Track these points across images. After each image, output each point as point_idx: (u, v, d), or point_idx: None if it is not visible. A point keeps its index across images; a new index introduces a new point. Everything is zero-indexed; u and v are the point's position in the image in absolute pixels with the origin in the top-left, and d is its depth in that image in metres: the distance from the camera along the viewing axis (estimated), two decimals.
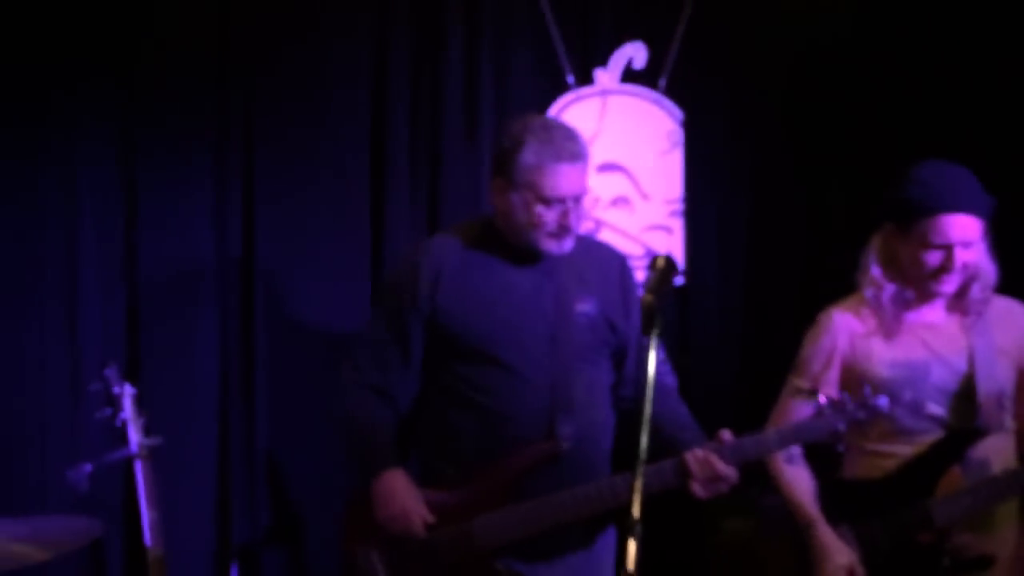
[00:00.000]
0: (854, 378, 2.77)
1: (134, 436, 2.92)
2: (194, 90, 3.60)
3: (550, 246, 2.67)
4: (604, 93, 3.94)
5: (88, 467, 2.92)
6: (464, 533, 2.64)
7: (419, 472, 2.76)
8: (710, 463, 2.54)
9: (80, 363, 3.48)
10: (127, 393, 2.95)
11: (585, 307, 2.71)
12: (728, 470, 2.55)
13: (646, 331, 2.09)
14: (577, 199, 2.66)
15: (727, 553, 3.28)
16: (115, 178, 3.56)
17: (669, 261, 2.20)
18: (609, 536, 2.77)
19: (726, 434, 2.59)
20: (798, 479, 2.81)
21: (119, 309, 3.56)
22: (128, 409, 2.94)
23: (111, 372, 2.97)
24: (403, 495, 2.64)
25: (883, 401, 2.58)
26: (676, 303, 3.94)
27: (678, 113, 3.98)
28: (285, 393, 3.67)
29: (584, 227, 3.34)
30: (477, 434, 2.68)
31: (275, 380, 3.67)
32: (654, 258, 2.22)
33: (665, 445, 2.61)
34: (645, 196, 3.98)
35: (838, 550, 2.70)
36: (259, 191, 3.67)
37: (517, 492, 2.63)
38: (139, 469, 2.90)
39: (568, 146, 2.64)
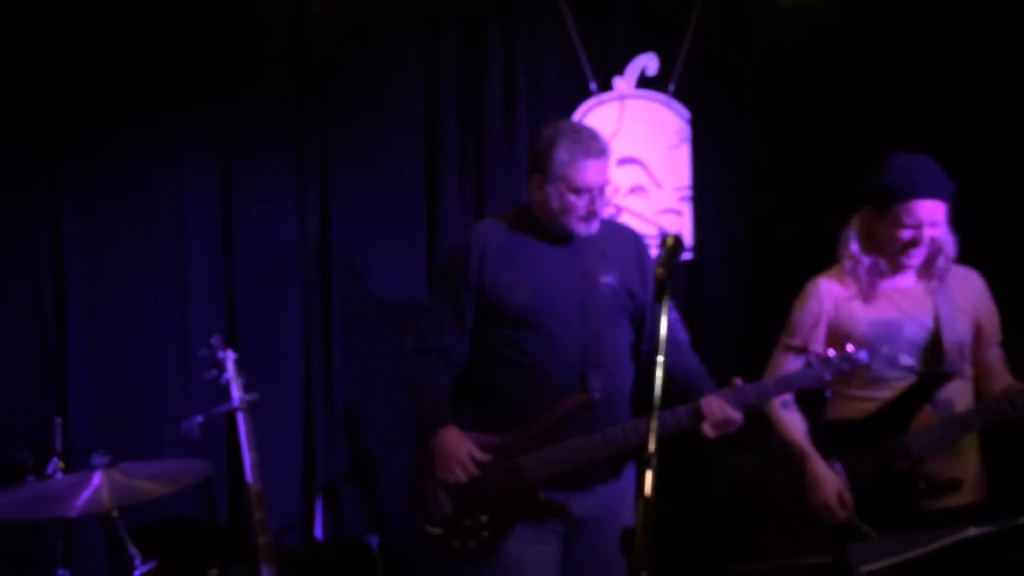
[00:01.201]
0: (838, 336, 2.80)
1: (236, 393, 2.97)
2: (279, 107, 3.65)
3: (580, 228, 2.71)
4: (622, 97, 3.97)
5: (199, 418, 3.00)
6: (513, 469, 2.69)
7: (471, 420, 2.80)
8: (722, 408, 2.58)
9: (189, 332, 3.53)
10: (229, 357, 3.00)
11: (608, 279, 2.74)
12: (735, 414, 2.58)
13: (658, 299, 2.12)
14: (602, 189, 2.70)
15: (735, 483, 3.32)
16: (215, 180, 3.61)
17: (677, 239, 2.23)
18: (630, 471, 2.82)
19: (738, 380, 2.62)
20: (792, 421, 2.84)
21: (219, 287, 3.60)
22: (230, 370, 2.99)
23: (216, 340, 3.03)
24: (456, 447, 2.69)
25: (863, 355, 2.61)
26: (686, 275, 3.97)
27: (686, 113, 4.00)
28: (359, 356, 3.71)
29: (607, 212, 3.39)
30: (520, 388, 2.72)
31: (350, 346, 3.71)
32: (664, 237, 2.24)
33: (681, 391, 2.65)
34: (658, 184, 4.01)
35: (829, 479, 2.74)
36: (333, 190, 3.70)
37: (557, 435, 2.68)
38: (241, 420, 2.96)
39: (594, 144, 2.68)
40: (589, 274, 2.74)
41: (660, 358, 2.05)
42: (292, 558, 3.34)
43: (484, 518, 2.69)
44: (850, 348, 2.61)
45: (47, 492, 2.67)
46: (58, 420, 3.06)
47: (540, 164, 2.70)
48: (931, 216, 2.69)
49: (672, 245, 2.22)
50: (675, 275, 3.77)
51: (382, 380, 3.64)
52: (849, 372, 2.63)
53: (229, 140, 3.61)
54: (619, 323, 2.78)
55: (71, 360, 3.41)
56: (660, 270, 2.17)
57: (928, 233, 2.70)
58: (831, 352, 2.62)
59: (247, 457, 2.94)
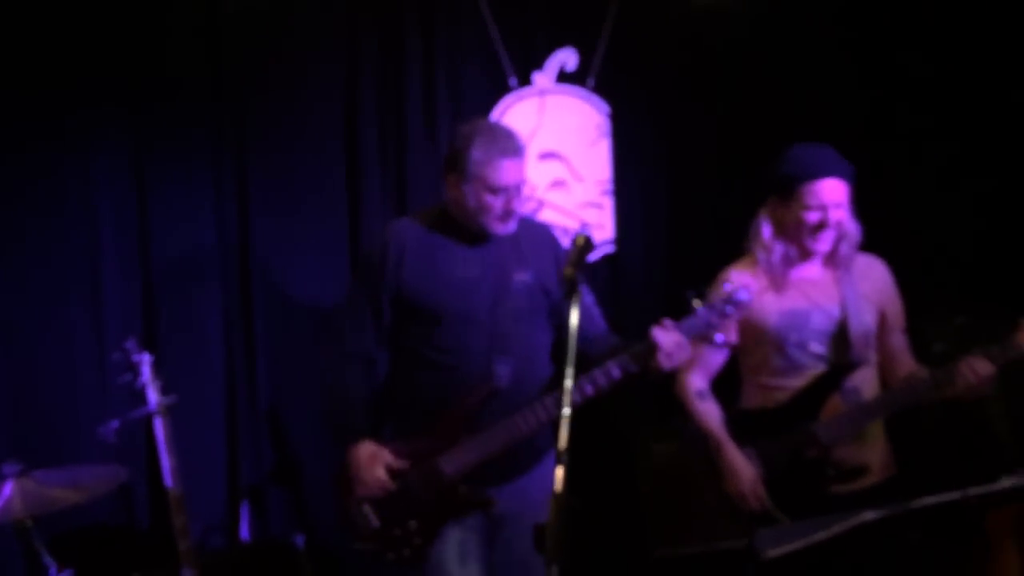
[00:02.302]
0: (749, 325, 2.88)
1: (152, 396, 2.95)
2: (193, 105, 3.61)
3: (496, 227, 2.74)
4: (542, 93, 4.00)
5: (115, 423, 2.97)
6: (432, 470, 2.71)
7: (393, 431, 2.81)
8: (674, 331, 2.58)
9: (104, 335, 3.48)
10: (145, 360, 2.98)
11: (523, 276, 2.77)
12: (685, 340, 2.59)
13: (567, 296, 2.17)
14: (518, 187, 2.73)
15: (655, 471, 3.38)
16: (128, 180, 3.56)
17: (587, 239, 2.27)
18: (550, 460, 2.82)
19: (667, 321, 2.61)
20: (709, 411, 2.92)
21: (136, 290, 3.56)
22: (146, 374, 2.96)
23: (130, 343, 2.99)
24: (371, 463, 2.69)
25: (743, 294, 2.63)
26: (608, 267, 4.03)
27: (605, 107, 4.05)
28: (282, 356, 3.70)
29: (529, 206, 3.41)
30: (435, 388, 2.75)
31: (272, 346, 3.70)
32: (575, 236, 2.28)
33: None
34: (579, 178, 4.05)
35: (743, 468, 2.82)
36: (252, 188, 3.68)
37: (469, 427, 2.70)
38: (158, 424, 2.95)
39: (510, 143, 2.71)
40: (503, 272, 2.77)
41: (570, 353, 2.08)
42: (217, 560, 3.33)
43: (413, 525, 2.71)
44: (727, 287, 2.64)
45: None
46: None
47: (456, 163, 2.72)
48: (833, 196, 2.77)
49: (582, 244, 2.26)
50: (597, 268, 3.90)
51: (305, 380, 3.60)
52: (733, 315, 2.66)
53: (143, 139, 3.57)
54: (533, 320, 2.81)
55: None
56: (568, 269, 2.21)
57: (834, 215, 2.78)
58: (714, 297, 2.65)
59: (165, 461, 2.93)
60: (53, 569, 2.67)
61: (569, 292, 2.17)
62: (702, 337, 2.66)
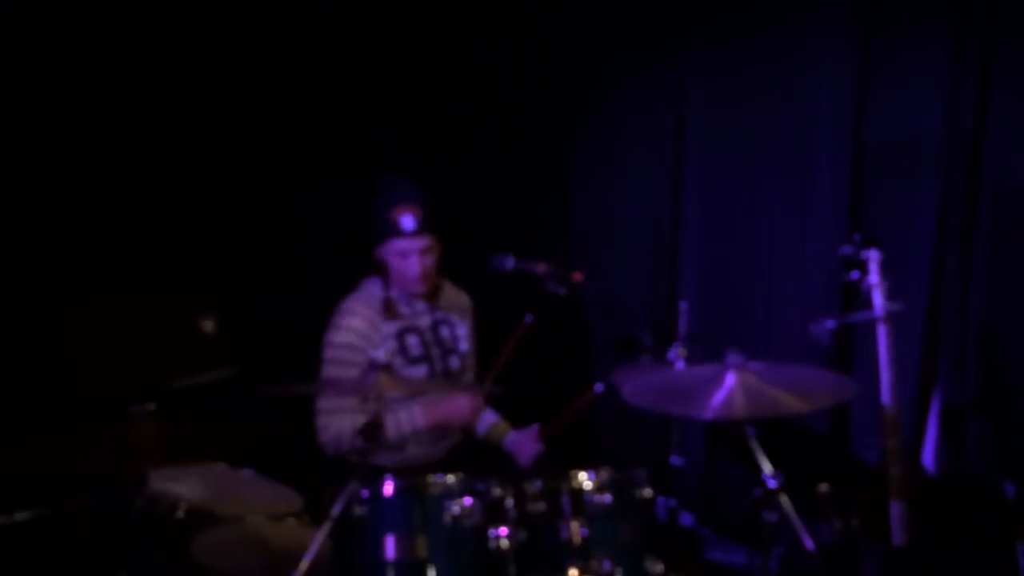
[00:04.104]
0: None
1: (879, 299, 2.66)
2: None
3: None
4: None
5: (831, 323, 2.76)
6: None
7: None
8: None
9: (806, 225, 3.35)
10: (873, 258, 2.68)
11: None
12: None
13: None
14: None
15: None
16: (851, 69, 3.33)
17: None
18: None
19: None
20: None
21: (843, 175, 3.32)
22: (874, 273, 2.67)
23: (857, 237, 2.71)
24: None
25: None
26: None
27: None
28: (1005, 265, 3.18)
29: None
30: None
31: (995, 252, 3.19)
32: None
33: None
34: None
35: None
36: (996, 78, 3.14)
37: None
38: (882, 332, 2.65)
39: None
40: None
41: None
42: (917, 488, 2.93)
43: None
44: None
45: (676, 384, 2.60)
46: (683, 305, 2.97)
47: None
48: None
49: None
50: None
51: None
52: None
53: (872, 15, 3.28)
54: None
55: (682, 247, 3.44)
56: None
57: None
58: None
59: (885, 375, 2.63)
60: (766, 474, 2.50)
61: None
62: None
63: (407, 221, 2.87)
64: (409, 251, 2.88)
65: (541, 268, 2.92)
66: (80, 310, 3.12)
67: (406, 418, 2.91)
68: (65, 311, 3.09)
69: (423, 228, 2.89)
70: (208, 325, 3.38)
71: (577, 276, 2.92)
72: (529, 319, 2.93)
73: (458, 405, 2.93)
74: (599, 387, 2.90)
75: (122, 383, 3.04)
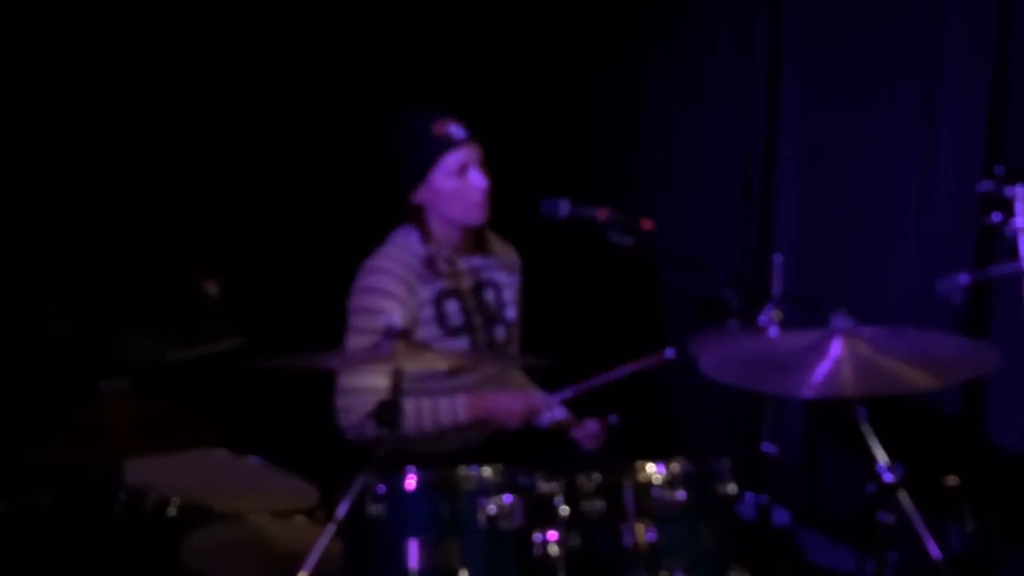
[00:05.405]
0: None
1: None
2: None
3: None
4: None
5: (964, 278, 2.45)
6: None
7: None
8: None
9: (932, 156, 3.06)
10: (1020, 196, 2.33)
11: None
12: None
13: None
14: None
15: None
16: None
17: None
18: None
19: None
20: None
21: (979, 111, 3.01)
22: (1021, 214, 2.33)
23: (1000, 170, 2.37)
24: None
25: None
26: None
27: None
28: None
29: None
30: None
31: None
32: None
33: None
34: None
35: None
36: None
37: None
38: None
39: None
40: None
41: None
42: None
43: None
44: None
45: (768, 354, 2.23)
46: (778, 258, 2.64)
47: None
48: None
49: None
50: None
51: None
52: None
53: None
54: None
55: (777, 188, 3.21)
56: None
57: None
58: None
59: None
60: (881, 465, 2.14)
61: None
62: None
63: (456, 129, 2.58)
64: (468, 162, 2.57)
65: (602, 214, 2.57)
66: (64, 269, 2.93)
67: (446, 408, 2.60)
68: (47, 271, 2.90)
69: (474, 136, 2.59)
70: (211, 287, 3.18)
71: (646, 223, 2.57)
72: (613, 420, 2.70)
73: (507, 404, 2.63)
74: (670, 352, 2.59)
75: (112, 356, 2.88)
